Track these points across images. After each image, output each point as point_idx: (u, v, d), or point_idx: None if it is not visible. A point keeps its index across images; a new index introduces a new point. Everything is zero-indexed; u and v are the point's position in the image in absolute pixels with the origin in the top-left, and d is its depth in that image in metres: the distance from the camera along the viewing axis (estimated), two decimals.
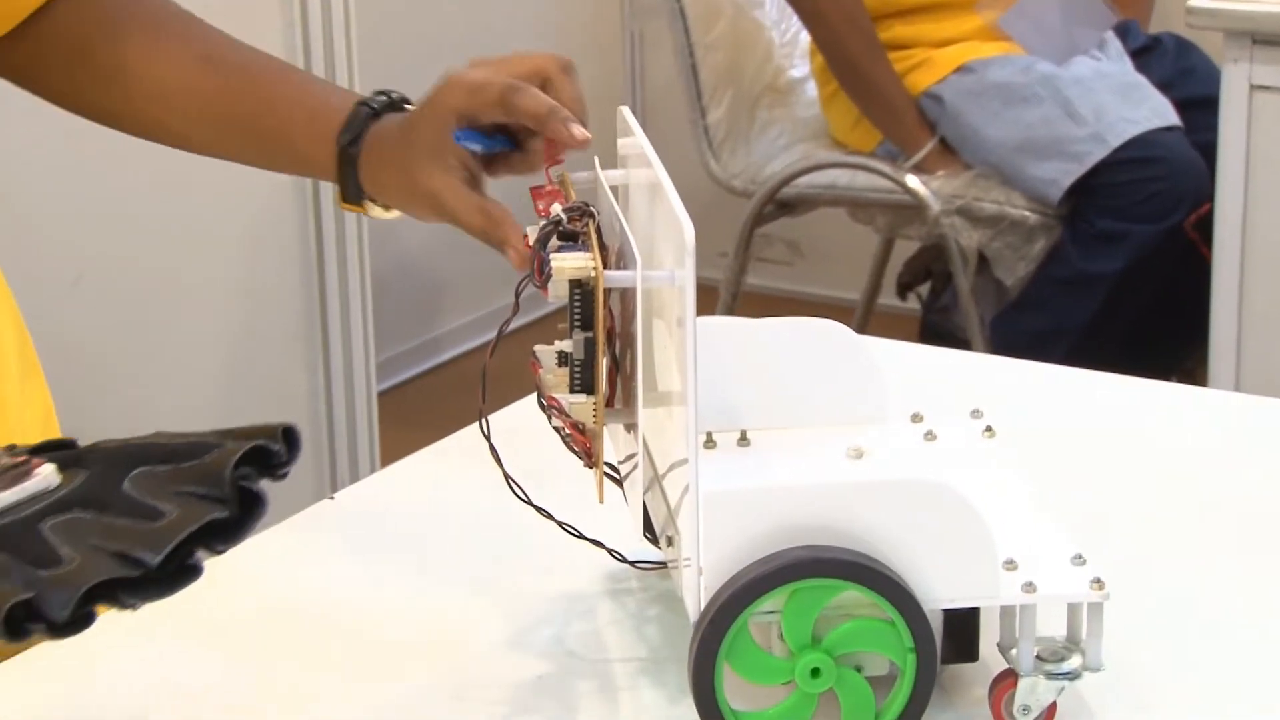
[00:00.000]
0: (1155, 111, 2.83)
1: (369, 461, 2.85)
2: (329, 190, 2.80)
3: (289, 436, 0.82)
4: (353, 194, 1.07)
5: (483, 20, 3.65)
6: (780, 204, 3.03)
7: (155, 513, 0.79)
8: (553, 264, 0.87)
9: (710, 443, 0.97)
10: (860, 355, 1.02)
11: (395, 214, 1.09)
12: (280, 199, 2.76)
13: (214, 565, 0.79)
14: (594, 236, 0.89)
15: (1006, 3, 2.91)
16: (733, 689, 0.89)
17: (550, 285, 0.88)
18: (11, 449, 0.84)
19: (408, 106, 1.08)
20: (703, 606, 0.89)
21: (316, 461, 2.76)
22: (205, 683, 1.00)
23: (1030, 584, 0.91)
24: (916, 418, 1.05)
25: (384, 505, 1.22)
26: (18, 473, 0.82)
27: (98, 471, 0.83)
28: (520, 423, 1.05)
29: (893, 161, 2.92)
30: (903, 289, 3.25)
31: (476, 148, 1.01)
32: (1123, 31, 3.00)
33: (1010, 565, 0.92)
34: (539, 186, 0.93)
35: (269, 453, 0.81)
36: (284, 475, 0.82)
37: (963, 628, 0.92)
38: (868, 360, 1.02)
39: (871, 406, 1.02)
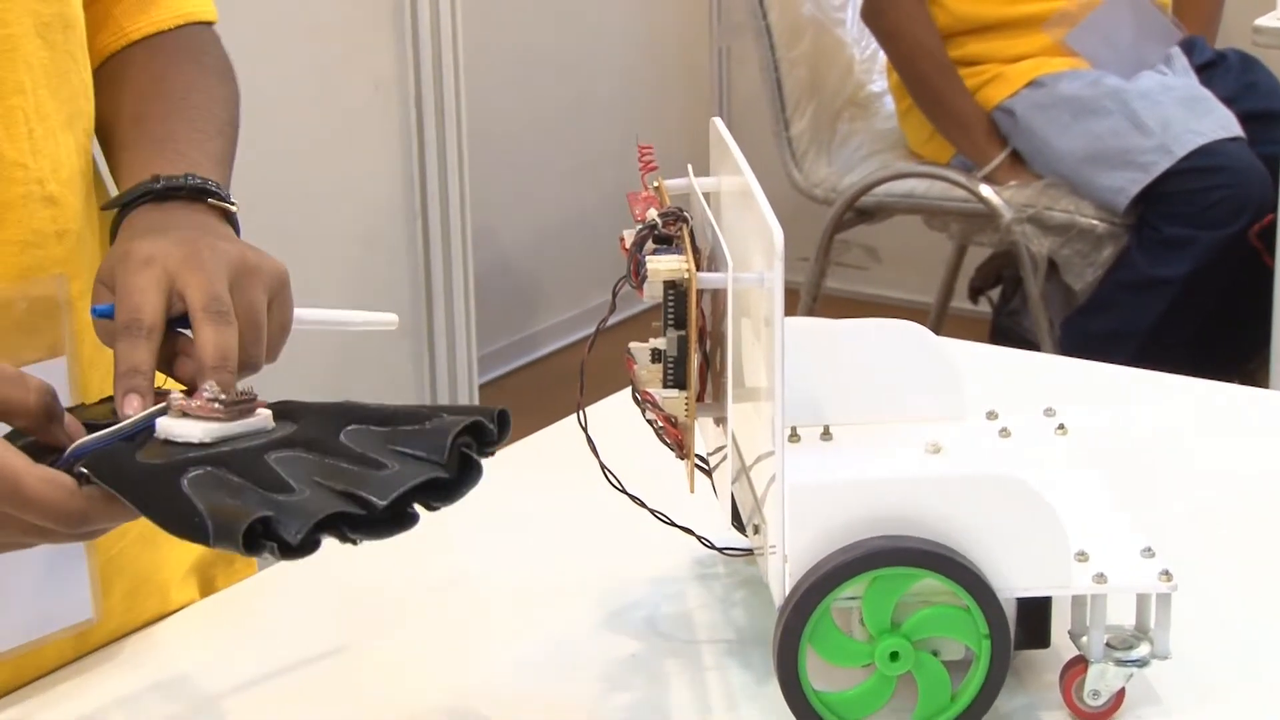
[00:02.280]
0: (1219, 123, 2.79)
1: None
2: (436, 195, 2.82)
3: (502, 419, 0.84)
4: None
5: (578, 38, 3.65)
6: (859, 211, 3.01)
7: (377, 463, 0.81)
8: (649, 266, 0.87)
9: (795, 437, 0.97)
10: (938, 355, 1.01)
11: None
12: (391, 204, 2.78)
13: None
14: (687, 240, 0.89)
15: (1074, 20, 2.88)
16: (814, 671, 0.89)
17: (646, 286, 0.88)
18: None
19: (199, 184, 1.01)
20: (787, 592, 0.88)
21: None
22: (323, 643, 1.01)
23: (1101, 575, 0.89)
24: (991, 415, 1.03)
25: (485, 493, 1.22)
26: (243, 408, 0.84)
27: (311, 422, 0.85)
28: (614, 416, 1.04)
29: (967, 172, 2.89)
30: (974, 293, 3.23)
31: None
32: (1188, 47, 2.96)
33: (1082, 557, 0.90)
34: (635, 193, 0.92)
35: (484, 430, 0.84)
36: (492, 453, 0.84)
37: (1035, 616, 0.91)
38: (945, 360, 1.01)
39: (948, 404, 1.01)
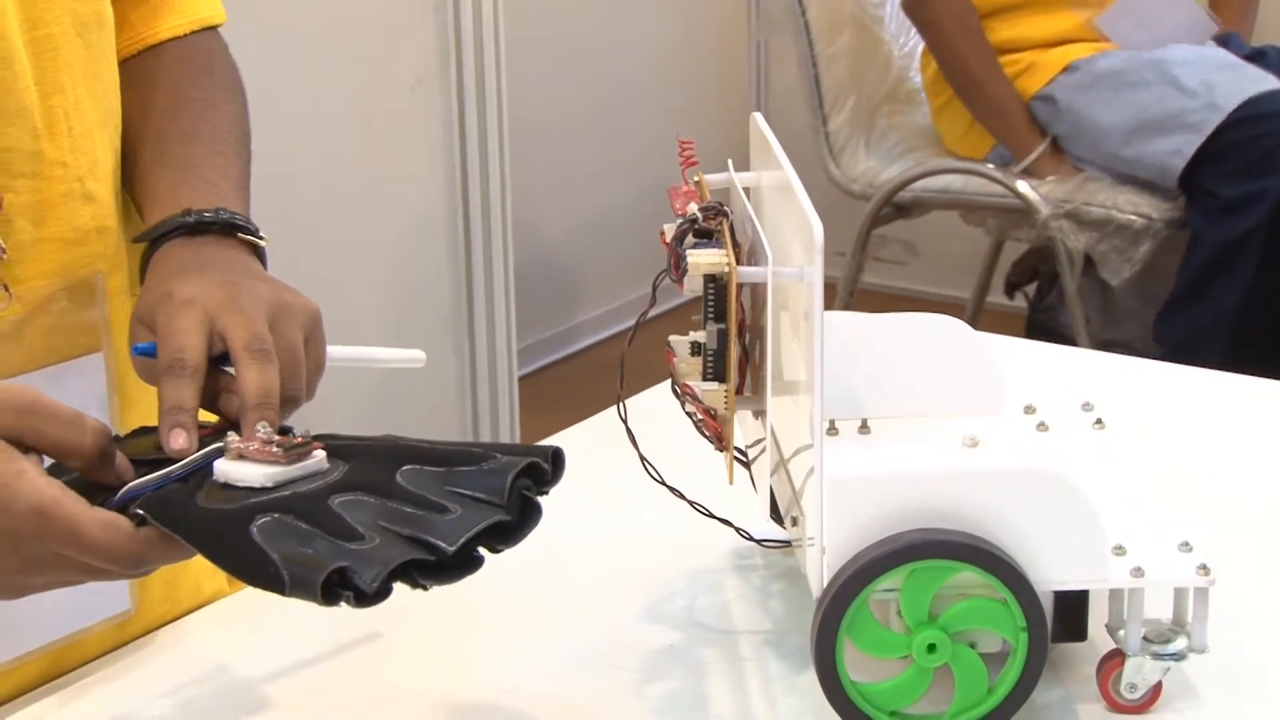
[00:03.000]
0: (1259, 78, 2.77)
1: (509, 442, 2.86)
2: (476, 189, 2.82)
3: (556, 458, 0.85)
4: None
5: (617, 34, 3.65)
6: (896, 207, 3.00)
7: (439, 507, 0.81)
8: (689, 259, 0.86)
9: (833, 430, 0.96)
10: (977, 349, 1.01)
11: None
12: (432, 199, 2.78)
13: None
14: (727, 234, 0.88)
15: (1103, 1, 2.87)
16: (852, 662, 0.88)
17: (686, 279, 0.88)
18: (229, 424, 0.85)
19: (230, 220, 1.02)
20: (825, 584, 0.88)
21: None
22: (358, 632, 1.01)
23: (1139, 569, 0.89)
24: (1029, 409, 1.03)
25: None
26: (301, 450, 0.83)
27: (365, 462, 0.84)
28: (653, 408, 1.04)
29: (1004, 167, 2.88)
30: (1011, 288, 3.21)
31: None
32: (1224, 43, 2.94)
33: (1119, 550, 0.90)
34: (676, 187, 0.92)
35: (539, 469, 0.84)
36: (546, 493, 0.84)
37: (1072, 609, 0.90)
38: (984, 354, 1.01)
39: (986, 398, 1.01)
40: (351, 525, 0.79)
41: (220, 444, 0.84)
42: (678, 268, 0.87)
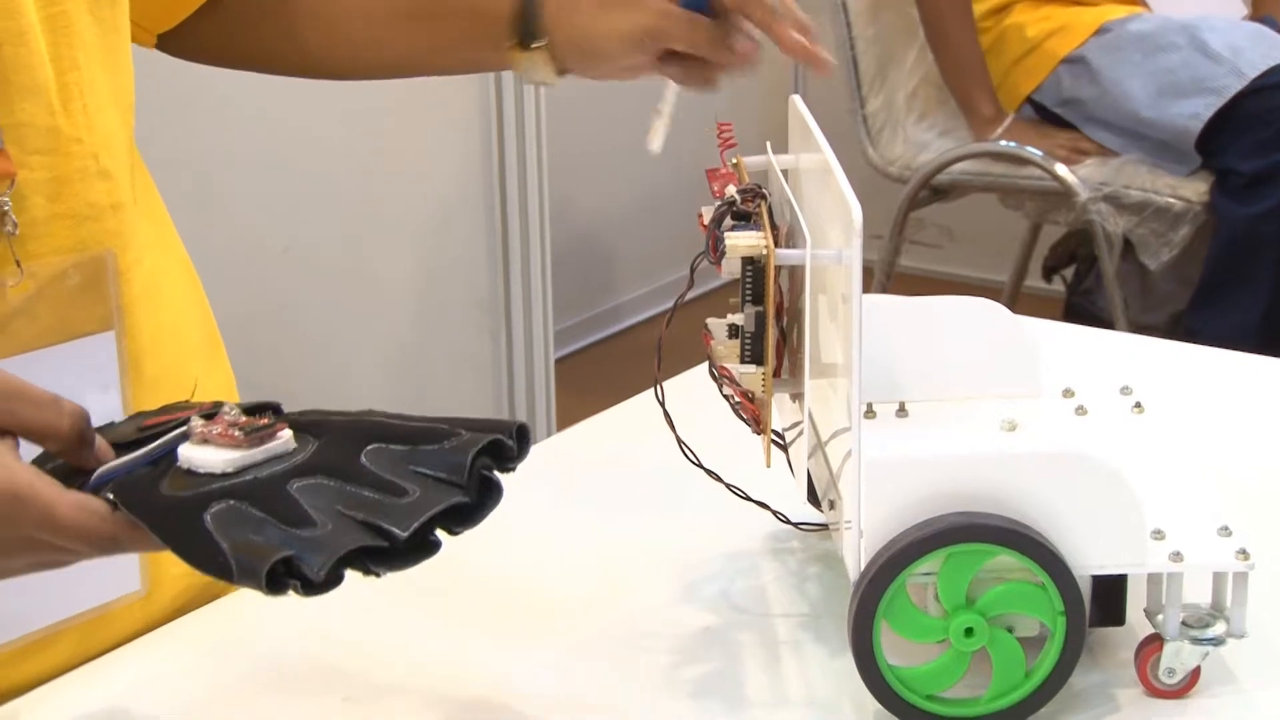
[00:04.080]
0: None
1: (545, 425, 2.87)
2: (514, 170, 2.82)
3: (521, 434, 0.82)
4: (529, 36, 1.04)
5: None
6: (934, 189, 2.98)
7: (399, 489, 0.79)
8: (727, 242, 0.86)
9: (870, 413, 0.96)
10: (1015, 333, 1.00)
11: (555, 80, 1.06)
12: (469, 179, 2.78)
13: None
14: (765, 217, 0.88)
15: None
16: (889, 645, 0.88)
17: (724, 262, 0.87)
18: (219, 406, 0.84)
19: None
20: (863, 567, 0.87)
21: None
22: (391, 614, 1.01)
23: (1177, 553, 0.88)
24: (1068, 393, 1.02)
25: (562, 467, 1.22)
26: (264, 433, 0.82)
27: (332, 442, 0.83)
28: (691, 390, 1.04)
29: (1033, 126, 2.87)
30: (1048, 272, 3.20)
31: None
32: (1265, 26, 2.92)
33: (1158, 535, 0.89)
34: (714, 169, 0.92)
35: (503, 446, 0.82)
36: (513, 469, 0.82)
37: (1110, 593, 0.90)
38: (1022, 337, 1.00)
39: (1024, 382, 1.00)
40: (306, 511, 0.78)
41: (185, 429, 0.83)
42: (715, 250, 0.87)
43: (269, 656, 0.98)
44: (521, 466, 1.21)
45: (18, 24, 0.94)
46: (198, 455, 0.81)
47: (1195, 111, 2.72)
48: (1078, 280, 3.14)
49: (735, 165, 0.94)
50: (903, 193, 2.96)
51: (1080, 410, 1.01)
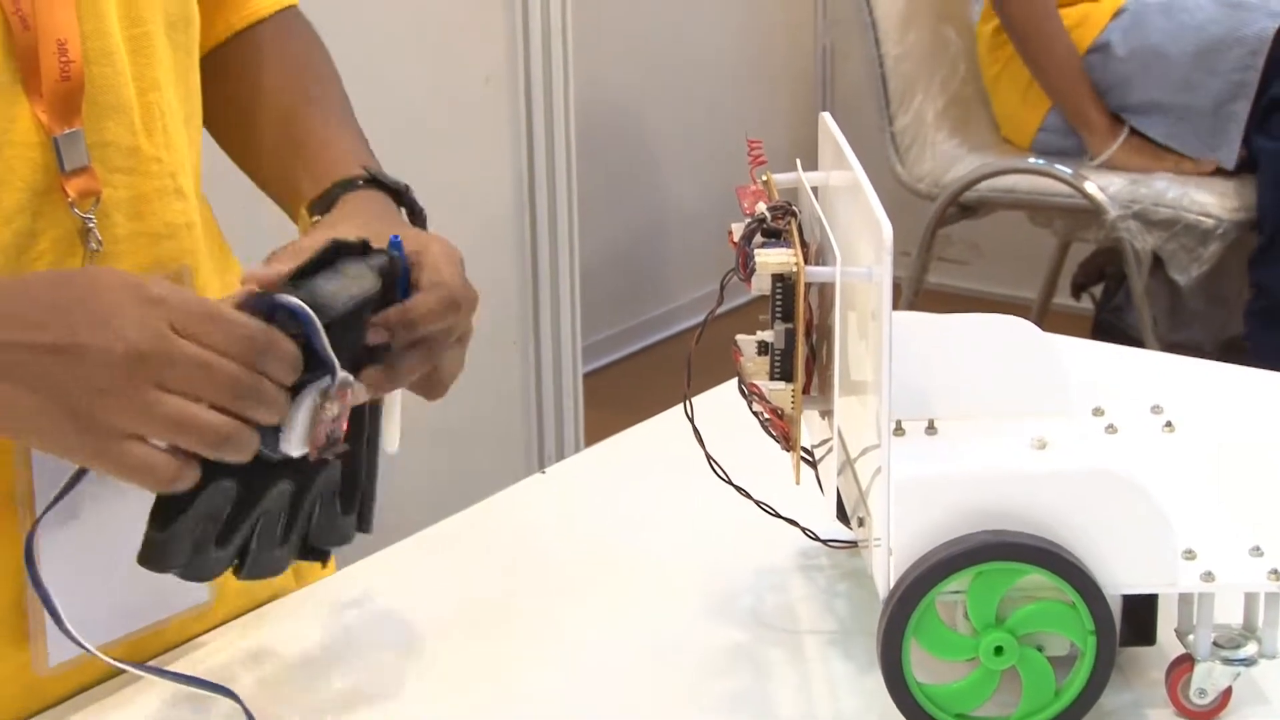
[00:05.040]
0: None
1: (574, 440, 2.86)
2: (544, 186, 2.82)
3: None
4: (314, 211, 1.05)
5: (683, 33, 3.64)
6: (962, 207, 2.97)
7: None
8: (757, 259, 0.86)
9: (899, 430, 0.96)
10: (1045, 351, 0.99)
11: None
12: (500, 195, 2.78)
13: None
14: (795, 234, 0.88)
15: None
16: (918, 664, 0.87)
17: (754, 279, 0.87)
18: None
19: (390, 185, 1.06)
20: (892, 585, 0.87)
21: (526, 439, 2.77)
22: (432, 631, 1.01)
23: (1209, 573, 0.87)
24: (1098, 411, 1.01)
25: (593, 482, 1.22)
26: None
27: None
28: (719, 406, 1.03)
29: (1049, 155, 2.85)
30: (1077, 289, 3.18)
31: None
32: None
33: (1189, 555, 0.88)
34: (744, 186, 0.91)
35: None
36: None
37: (1141, 613, 0.89)
38: (1052, 356, 0.99)
39: (1055, 400, 0.99)
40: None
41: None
42: (745, 267, 0.86)
43: (316, 671, 0.98)
44: (553, 478, 1.22)
45: (105, 44, 0.96)
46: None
47: (1245, 63, 2.70)
48: (1107, 297, 3.12)
49: (765, 182, 0.93)
50: (931, 210, 2.95)
51: (1110, 429, 1.00)
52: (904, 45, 3.00)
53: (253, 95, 1.10)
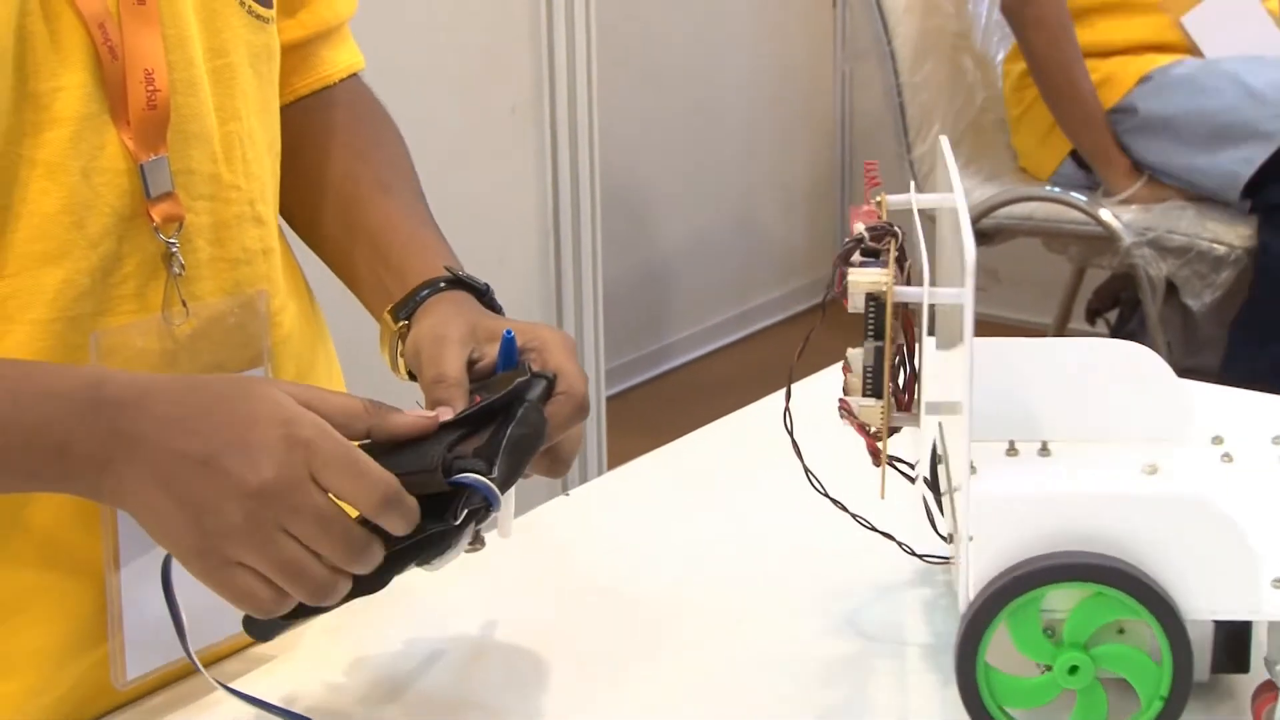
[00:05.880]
0: None
1: (597, 462, 2.85)
2: (568, 212, 2.81)
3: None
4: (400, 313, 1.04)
5: (705, 62, 3.63)
6: (980, 233, 2.96)
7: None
8: (850, 278, 0.85)
9: (1013, 450, 0.94)
10: (1165, 378, 0.98)
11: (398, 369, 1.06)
12: (525, 220, 2.77)
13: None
14: (892, 254, 0.86)
15: (1186, 6, 2.82)
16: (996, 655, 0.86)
17: (850, 297, 0.86)
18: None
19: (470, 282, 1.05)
20: (970, 600, 0.85)
21: None
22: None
23: None
24: (1217, 440, 0.99)
25: (613, 502, 1.21)
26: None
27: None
28: (750, 428, 1.01)
29: (1069, 187, 2.84)
30: (1092, 314, 3.17)
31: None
32: None
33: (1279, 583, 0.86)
34: (858, 207, 0.90)
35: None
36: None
37: (1235, 639, 0.87)
38: (1172, 383, 0.98)
39: (1173, 426, 0.97)
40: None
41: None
42: (841, 285, 0.85)
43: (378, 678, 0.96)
44: (576, 500, 1.20)
45: (190, 75, 0.97)
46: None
47: (1247, 156, 2.70)
48: (1121, 323, 3.11)
49: (879, 203, 0.92)
50: None
51: (1226, 458, 0.98)
52: (922, 74, 2.99)
53: (319, 172, 1.11)
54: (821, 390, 1.00)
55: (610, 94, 2.95)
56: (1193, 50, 2.85)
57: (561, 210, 2.80)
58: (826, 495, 0.97)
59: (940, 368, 0.89)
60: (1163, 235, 2.77)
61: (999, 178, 3.02)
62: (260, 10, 1.01)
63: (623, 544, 1.13)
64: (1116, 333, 3.12)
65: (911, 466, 0.99)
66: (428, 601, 1.04)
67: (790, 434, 0.93)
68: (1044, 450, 0.94)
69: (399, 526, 0.84)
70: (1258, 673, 0.88)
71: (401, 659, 0.99)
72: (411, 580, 1.04)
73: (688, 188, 3.61)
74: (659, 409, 3.41)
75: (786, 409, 0.92)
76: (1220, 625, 0.86)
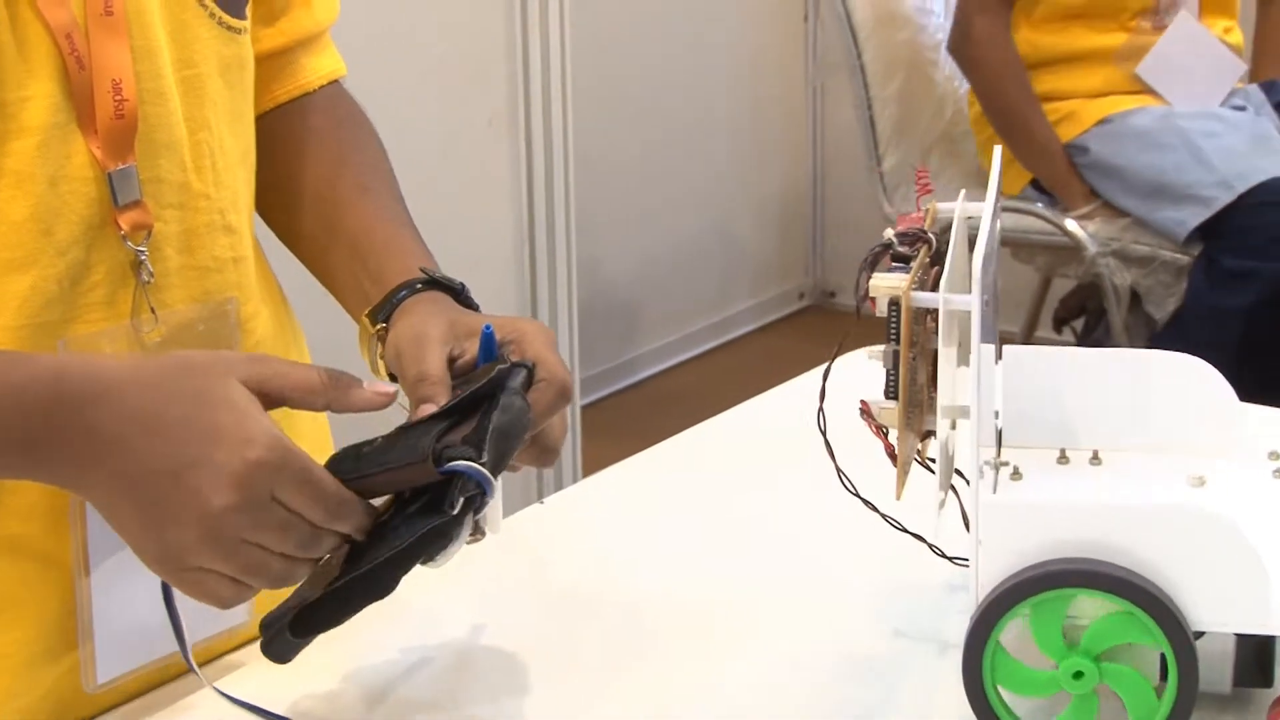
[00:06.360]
0: None
1: (572, 471, 2.84)
2: (543, 223, 2.80)
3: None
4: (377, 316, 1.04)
5: (679, 77, 3.63)
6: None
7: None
8: (871, 283, 0.86)
9: (1063, 459, 0.94)
10: (1220, 391, 0.97)
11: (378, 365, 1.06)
12: (501, 231, 2.76)
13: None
14: (919, 260, 0.87)
15: (1141, 53, 2.83)
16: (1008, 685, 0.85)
17: (875, 301, 0.86)
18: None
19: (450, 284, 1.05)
20: (977, 605, 0.85)
21: (525, 470, 2.74)
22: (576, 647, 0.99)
23: None
24: (1274, 455, 0.98)
25: (589, 510, 1.20)
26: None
27: None
28: (725, 435, 1.00)
29: (1039, 202, 2.86)
30: (1059, 323, 3.18)
31: None
32: (1268, 88, 2.91)
33: None
34: (906, 214, 0.92)
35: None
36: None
37: (1259, 653, 0.87)
38: (1227, 397, 0.97)
39: (1226, 440, 0.97)
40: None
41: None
42: (863, 290, 0.86)
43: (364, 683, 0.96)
44: (552, 508, 1.19)
45: (158, 85, 0.96)
46: None
47: (1182, 219, 2.72)
48: (1087, 331, 3.13)
49: (928, 211, 0.94)
50: None
51: (1278, 473, 0.97)
52: (891, 88, 3.00)
53: (298, 176, 1.11)
54: (809, 391, 0.99)
55: (585, 105, 2.94)
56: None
57: (537, 220, 2.80)
58: (857, 494, 0.97)
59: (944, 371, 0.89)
60: (1127, 246, 2.79)
61: (968, 190, 3.01)
62: (231, 21, 1.01)
63: (600, 551, 1.12)
64: (1083, 341, 3.13)
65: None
66: (413, 608, 1.04)
67: (823, 432, 0.93)
68: (1095, 459, 0.94)
69: (352, 529, 0.86)
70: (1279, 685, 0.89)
71: (387, 667, 0.98)
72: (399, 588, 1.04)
73: (662, 198, 3.61)
74: (634, 417, 3.40)
75: (820, 409, 0.92)
76: (1244, 639, 0.86)
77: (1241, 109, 2.85)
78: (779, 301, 3.95)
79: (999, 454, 0.93)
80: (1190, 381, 0.97)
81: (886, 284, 0.85)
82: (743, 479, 1.20)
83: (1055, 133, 2.84)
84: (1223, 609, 0.84)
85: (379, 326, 1.01)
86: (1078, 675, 0.85)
